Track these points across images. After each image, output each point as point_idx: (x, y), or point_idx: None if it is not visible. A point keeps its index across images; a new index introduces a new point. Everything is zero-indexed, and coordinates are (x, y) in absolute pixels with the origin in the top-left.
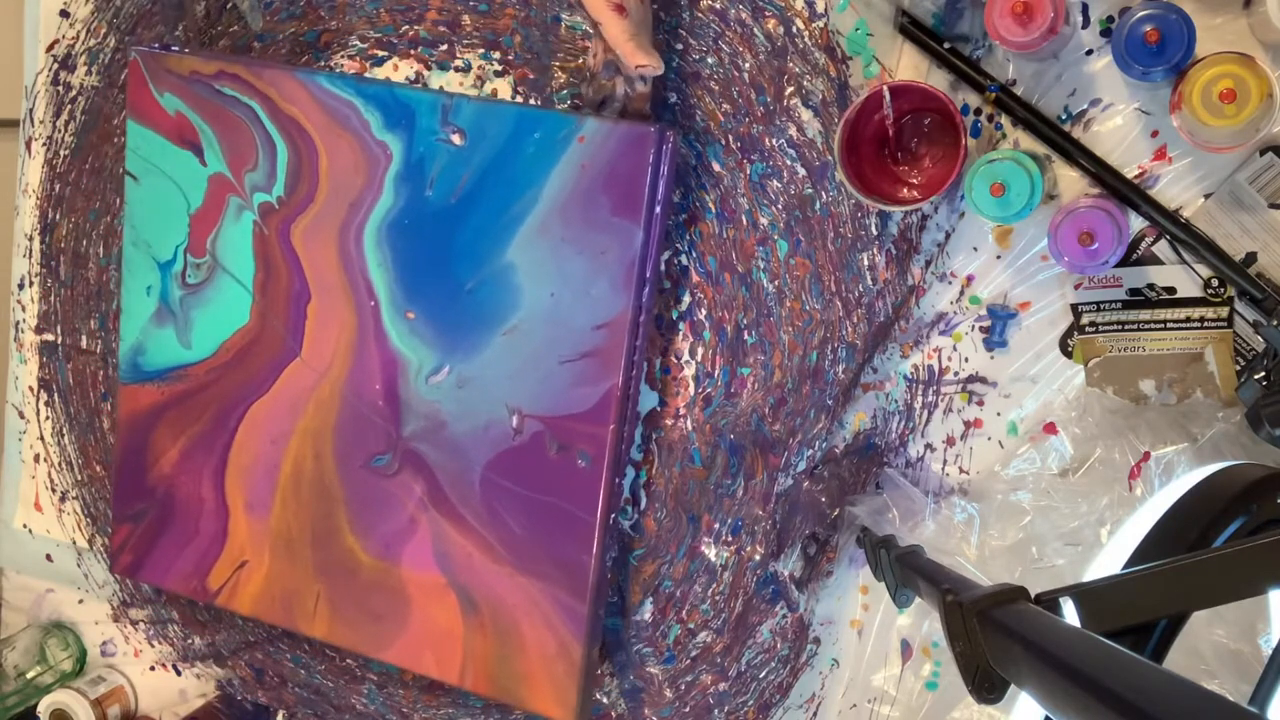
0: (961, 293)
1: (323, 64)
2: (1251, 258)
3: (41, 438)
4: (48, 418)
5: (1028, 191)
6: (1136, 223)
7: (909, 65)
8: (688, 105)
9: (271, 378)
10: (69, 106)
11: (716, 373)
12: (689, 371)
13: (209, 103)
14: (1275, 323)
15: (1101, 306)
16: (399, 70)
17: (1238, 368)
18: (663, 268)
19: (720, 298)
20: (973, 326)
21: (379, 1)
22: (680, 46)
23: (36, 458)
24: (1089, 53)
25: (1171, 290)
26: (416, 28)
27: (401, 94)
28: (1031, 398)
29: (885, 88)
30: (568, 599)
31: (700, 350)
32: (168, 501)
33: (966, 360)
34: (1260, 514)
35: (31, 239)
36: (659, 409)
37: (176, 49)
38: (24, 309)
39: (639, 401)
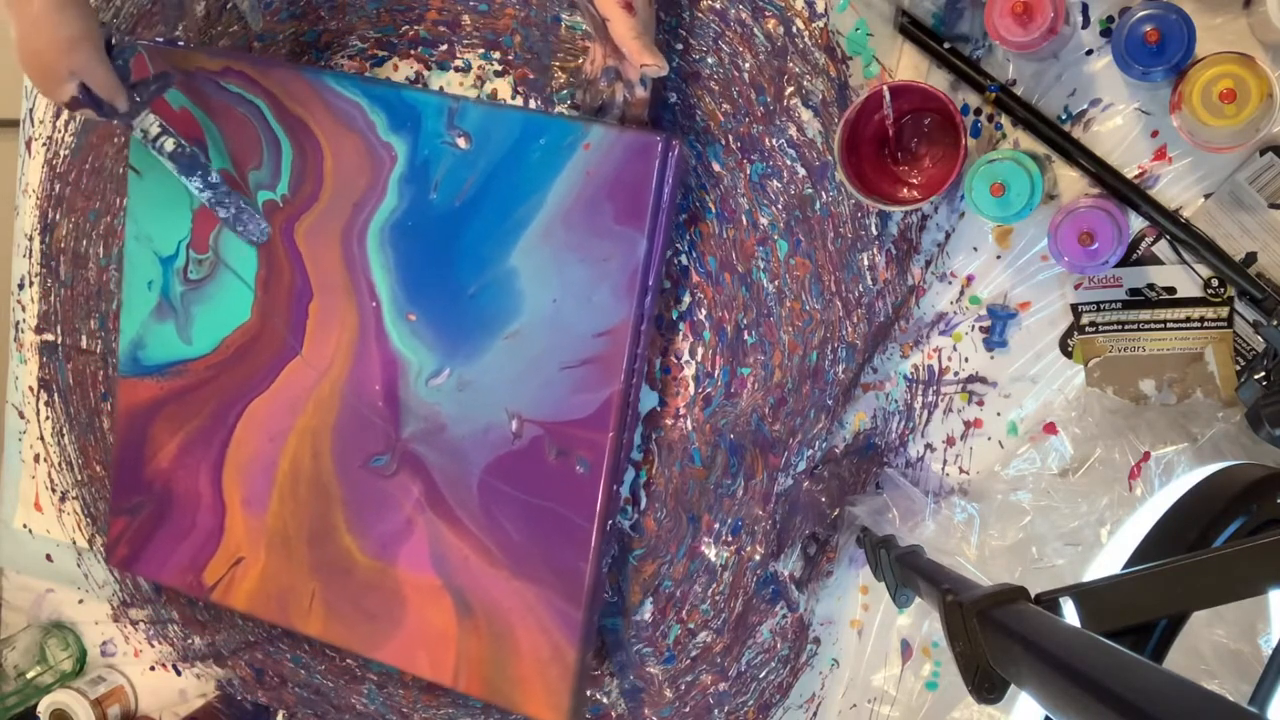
0: (961, 293)
1: (323, 64)
2: (1251, 258)
3: (41, 438)
4: (48, 418)
5: (1028, 191)
6: (1136, 223)
7: (909, 65)
8: (688, 105)
9: (271, 375)
10: None
11: (716, 373)
12: (689, 371)
13: (214, 99)
14: (1275, 323)
15: (1101, 306)
16: (399, 70)
17: (1238, 368)
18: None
19: (720, 298)
20: (973, 326)
21: (379, 1)
22: (680, 46)
23: (36, 458)
24: (1089, 53)
25: (1171, 290)
26: (416, 28)
27: (408, 96)
28: (1031, 398)
29: (885, 88)
30: (563, 604)
31: (700, 350)
32: (165, 496)
33: (966, 360)
34: (1260, 514)
35: (31, 239)
36: (659, 409)
37: (183, 44)
38: (24, 309)
39: (639, 403)
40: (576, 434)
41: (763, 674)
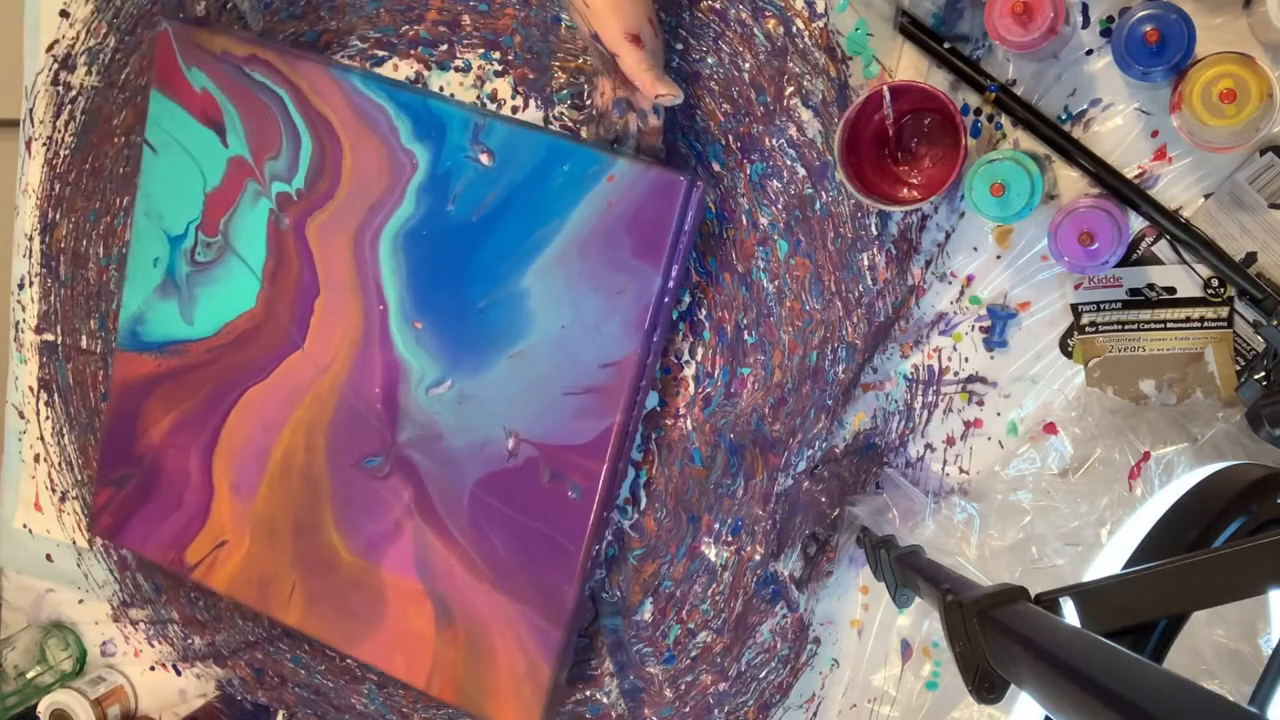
0: (961, 293)
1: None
2: (1251, 258)
3: (41, 438)
4: (48, 418)
5: (1028, 191)
6: (1136, 223)
7: (909, 65)
8: (688, 105)
9: (271, 365)
10: (69, 106)
11: (716, 373)
12: (689, 371)
13: (237, 84)
14: (1275, 323)
15: (1101, 306)
16: (399, 70)
17: (1238, 368)
18: None
19: (720, 298)
20: (973, 326)
21: (379, 1)
22: (680, 46)
23: (36, 458)
24: (1089, 53)
25: (1171, 290)
26: (416, 28)
27: (435, 106)
28: (1031, 398)
29: (885, 88)
30: (543, 623)
31: (700, 350)
32: (153, 471)
33: (966, 360)
34: (1260, 514)
35: (31, 239)
36: (659, 409)
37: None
38: (24, 309)
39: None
40: (572, 459)
41: (763, 674)
